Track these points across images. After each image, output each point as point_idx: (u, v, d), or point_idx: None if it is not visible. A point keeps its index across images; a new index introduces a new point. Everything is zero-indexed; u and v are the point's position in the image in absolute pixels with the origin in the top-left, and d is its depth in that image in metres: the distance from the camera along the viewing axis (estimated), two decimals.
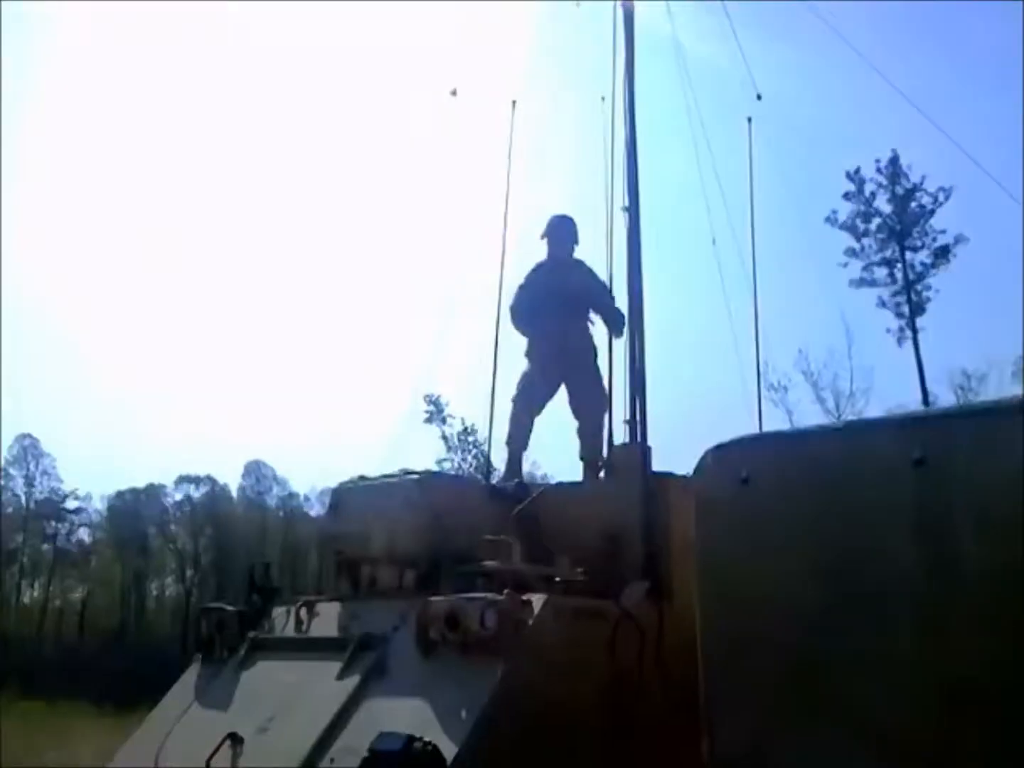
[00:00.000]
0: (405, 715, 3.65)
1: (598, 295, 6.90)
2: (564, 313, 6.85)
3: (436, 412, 34.18)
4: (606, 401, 6.47)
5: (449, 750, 3.40)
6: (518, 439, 6.89)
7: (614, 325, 6.69)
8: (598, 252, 6.84)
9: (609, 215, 6.57)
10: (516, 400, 6.91)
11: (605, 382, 6.43)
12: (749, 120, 8.07)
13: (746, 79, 8.50)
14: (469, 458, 32.92)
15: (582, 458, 6.74)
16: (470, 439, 33.18)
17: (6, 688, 34.08)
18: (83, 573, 58.49)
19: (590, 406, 6.72)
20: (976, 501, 3.25)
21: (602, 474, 6.19)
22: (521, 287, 7.13)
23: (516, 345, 7.14)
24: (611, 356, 6.38)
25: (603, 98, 6.83)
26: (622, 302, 6.31)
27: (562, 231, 7.19)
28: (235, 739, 4.10)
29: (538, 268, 7.20)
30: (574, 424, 6.89)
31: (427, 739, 3.38)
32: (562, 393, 6.96)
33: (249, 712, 4.26)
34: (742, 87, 8.50)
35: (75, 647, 50.72)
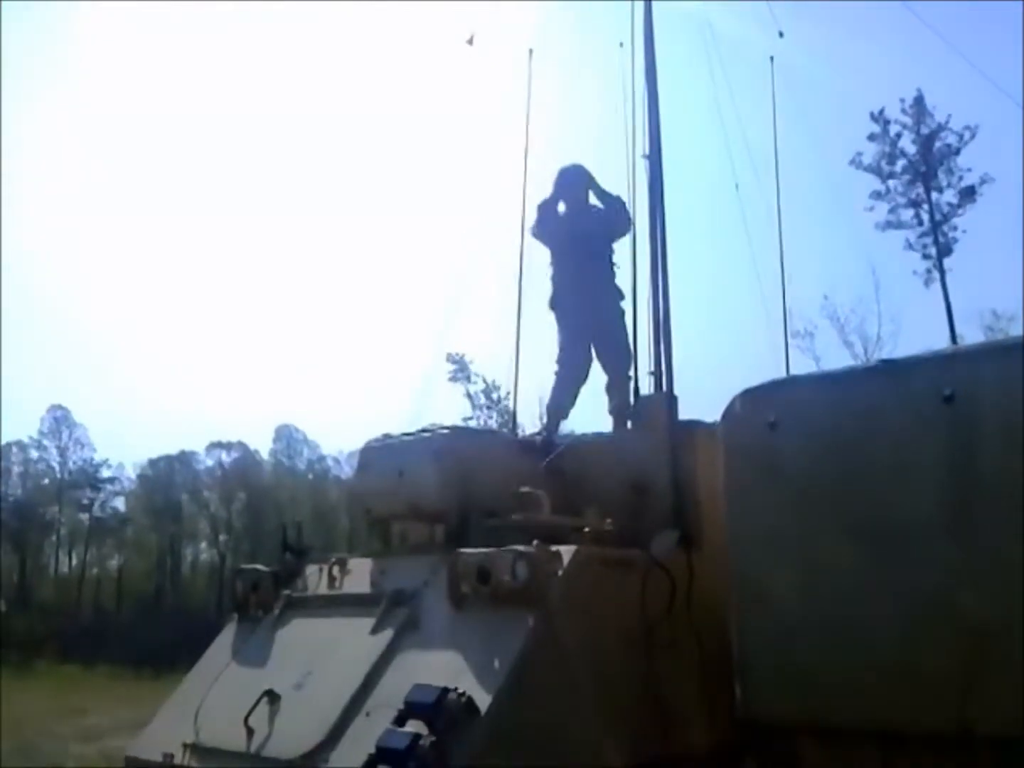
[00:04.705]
0: (438, 667, 3.66)
1: (606, 237, 6.80)
2: (586, 258, 6.73)
3: (460, 370, 34.26)
4: (631, 354, 6.43)
5: (483, 700, 3.42)
6: (559, 408, 6.81)
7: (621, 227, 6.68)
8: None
9: (630, 163, 6.48)
10: (559, 372, 6.84)
11: (630, 331, 6.36)
12: (771, 59, 7.93)
13: (767, 17, 8.34)
14: (495, 415, 32.97)
15: (611, 412, 6.69)
16: (493, 395, 33.26)
17: (46, 655, 34.73)
18: (119, 541, 59.14)
19: (617, 360, 6.67)
20: (1006, 435, 3.23)
21: (628, 424, 6.15)
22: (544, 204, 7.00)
23: (540, 300, 7.07)
24: (636, 306, 6.31)
25: (621, 44, 6.71)
26: (644, 251, 6.23)
27: (566, 181, 7.07)
28: (272, 696, 4.13)
29: (557, 217, 7.07)
30: (603, 379, 6.83)
31: (461, 690, 3.41)
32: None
33: (285, 669, 4.30)
34: (763, 27, 8.35)
35: (112, 614, 51.46)
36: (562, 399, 6.84)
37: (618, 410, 6.56)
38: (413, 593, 4.18)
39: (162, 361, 79.04)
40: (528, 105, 7.31)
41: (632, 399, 6.20)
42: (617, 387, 6.66)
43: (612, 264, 6.83)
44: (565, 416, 6.89)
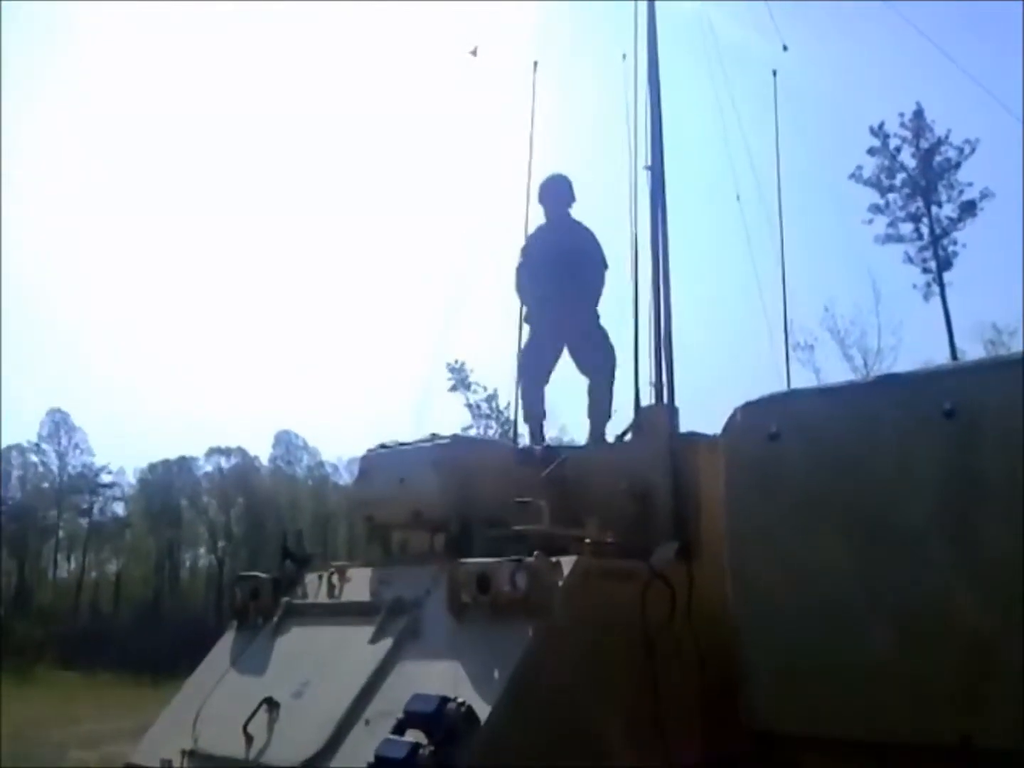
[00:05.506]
0: (438, 677, 3.66)
1: (588, 258, 6.83)
2: (562, 275, 6.74)
3: (460, 380, 34.26)
4: (614, 357, 6.42)
5: (483, 710, 3.42)
6: (535, 412, 6.85)
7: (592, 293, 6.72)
8: (622, 211, 6.77)
9: (633, 174, 6.50)
10: (522, 375, 6.87)
11: (631, 342, 6.34)
12: (774, 73, 7.97)
13: (770, 31, 8.40)
14: (495, 424, 32.97)
15: (589, 417, 6.62)
16: (492, 404, 33.27)
17: (45, 661, 34.70)
18: (117, 546, 59.13)
19: (597, 365, 6.65)
20: (1006, 450, 3.24)
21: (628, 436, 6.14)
22: (522, 250, 7.07)
23: None
24: (636, 318, 6.32)
25: (624, 55, 6.73)
26: (646, 261, 6.24)
27: (556, 191, 7.08)
28: (271, 704, 4.13)
29: (536, 232, 7.12)
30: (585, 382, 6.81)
31: (460, 699, 3.41)
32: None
33: (284, 677, 4.29)
34: (766, 39, 8.41)
35: (110, 619, 51.41)
36: (537, 404, 6.85)
37: (597, 420, 6.47)
38: (413, 602, 4.17)
39: (162, 366, 79.33)
40: (532, 118, 7.33)
41: (633, 410, 6.20)
42: (598, 395, 6.60)
43: (591, 283, 6.82)
44: (544, 417, 6.92)
